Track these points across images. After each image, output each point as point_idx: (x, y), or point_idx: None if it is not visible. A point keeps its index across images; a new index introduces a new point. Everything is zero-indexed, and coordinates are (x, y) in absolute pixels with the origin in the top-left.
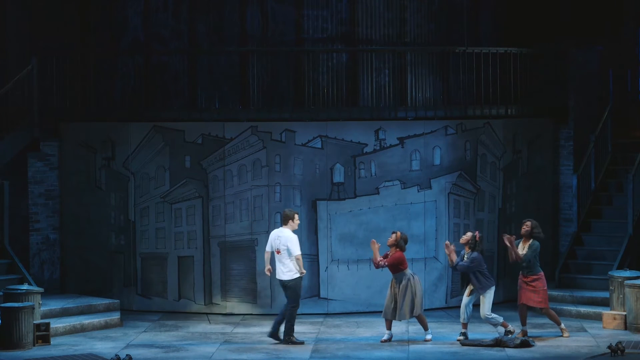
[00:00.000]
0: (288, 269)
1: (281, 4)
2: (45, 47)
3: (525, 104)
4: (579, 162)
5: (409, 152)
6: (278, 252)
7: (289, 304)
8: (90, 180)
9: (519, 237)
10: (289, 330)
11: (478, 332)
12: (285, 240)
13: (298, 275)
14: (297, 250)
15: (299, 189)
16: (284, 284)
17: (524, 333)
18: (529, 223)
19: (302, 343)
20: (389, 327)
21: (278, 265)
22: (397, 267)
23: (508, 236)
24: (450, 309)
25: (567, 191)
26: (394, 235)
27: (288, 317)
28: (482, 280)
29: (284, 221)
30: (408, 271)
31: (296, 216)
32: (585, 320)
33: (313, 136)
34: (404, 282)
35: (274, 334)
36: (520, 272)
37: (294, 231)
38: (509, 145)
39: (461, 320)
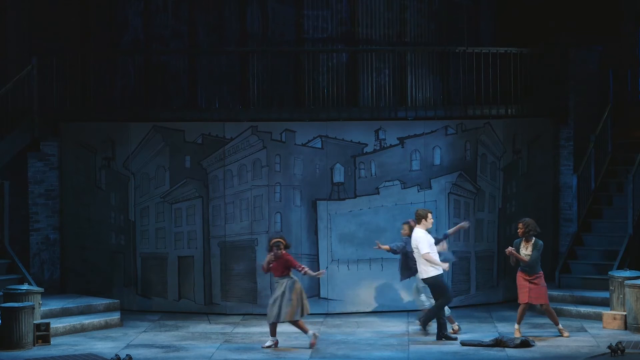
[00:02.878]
0: (422, 268)
1: (281, 4)
2: (45, 47)
3: (525, 104)
4: (579, 162)
5: (409, 152)
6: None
7: (436, 301)
8: (90, 180)
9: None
10: (441, 327)
11: (478, 332)
12: (415, 241)
13: (434, 273)
14: (423, 249)
15: (299, 189)
16: (425, 283)
17: (519, 331)
18: (521, 224)
19: (455, 339)
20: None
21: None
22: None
23: (509, 250)
24: (449, 309)
25: (567, 191)
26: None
27: (435, 312)
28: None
29: (417, 220)
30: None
31: (429, 215)
32: (585, 320)
33: (313, 136)
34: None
35: (423, 327)
36: (521, 271)
37: (429, 230)
38: (509, 145)
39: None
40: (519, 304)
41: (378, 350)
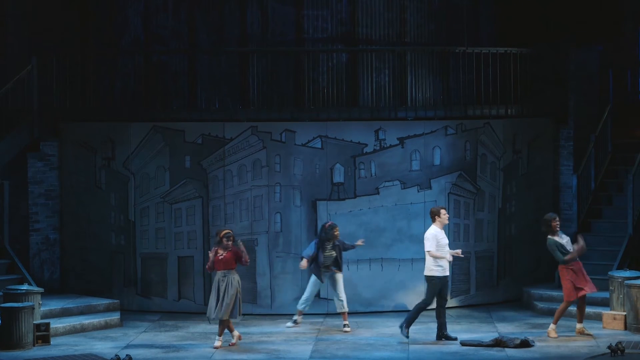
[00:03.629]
0: (426, 265)
1: (281, 4)
2: (45, 47)
3: (525, 104)
4: (579, 162)
5: (409, 152)
6: None
7: (422, 300)
8: (90, 180)
9: (549, 232)
10: (441, 327)
11: (478, 332)
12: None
13: (433, 273)
14: (427, 246)
15: (299, 189)
16: (425, 279)
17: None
18: (556, 218)
19: (455, 339)
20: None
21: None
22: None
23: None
24: (449, 309)
25: (567, 191)
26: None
27: (413, 310)
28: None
29: (432, 218)
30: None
31: (442, 211)
32: (585, 320)
33: (313, 136)
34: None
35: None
36: (571, 263)
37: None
38: (509, 145)
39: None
40: (569, 302)
41: (378, 350)
